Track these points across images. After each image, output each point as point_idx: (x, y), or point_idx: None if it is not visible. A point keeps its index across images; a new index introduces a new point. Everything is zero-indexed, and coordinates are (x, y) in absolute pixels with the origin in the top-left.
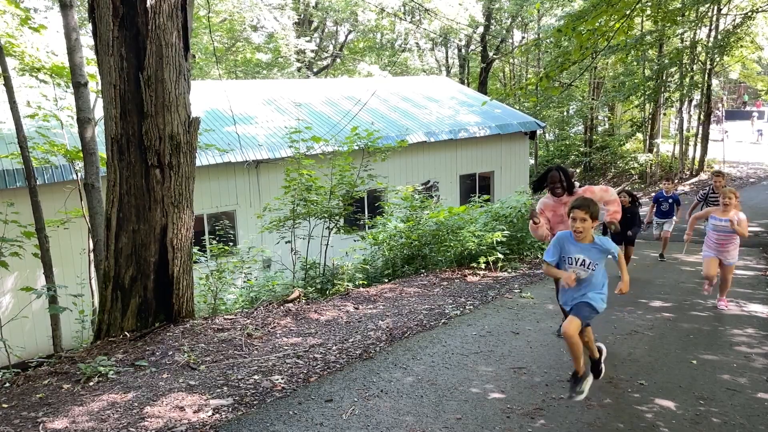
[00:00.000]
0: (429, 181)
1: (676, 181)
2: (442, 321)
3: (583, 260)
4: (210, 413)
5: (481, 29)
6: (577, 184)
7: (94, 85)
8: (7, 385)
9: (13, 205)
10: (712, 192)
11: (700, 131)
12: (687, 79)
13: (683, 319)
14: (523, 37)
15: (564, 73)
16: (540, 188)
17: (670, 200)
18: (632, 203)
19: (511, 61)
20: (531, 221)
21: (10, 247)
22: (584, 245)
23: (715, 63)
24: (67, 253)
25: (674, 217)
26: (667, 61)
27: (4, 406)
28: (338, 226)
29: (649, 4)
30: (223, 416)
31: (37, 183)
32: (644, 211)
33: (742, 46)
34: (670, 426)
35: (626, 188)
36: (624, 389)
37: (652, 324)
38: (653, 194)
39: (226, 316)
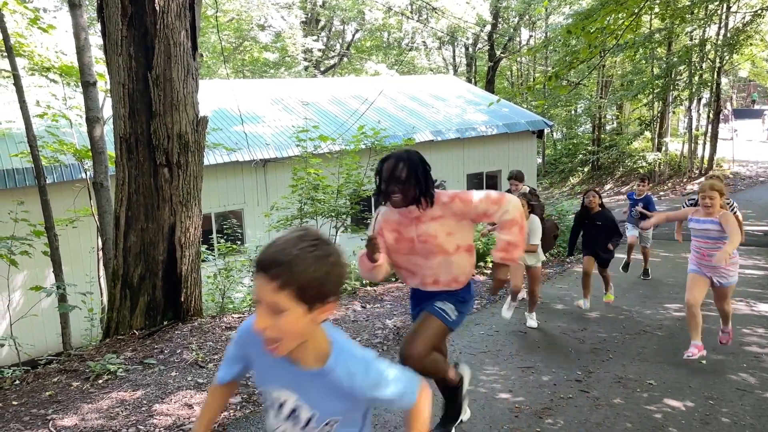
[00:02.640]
0: (436, 180)
1: (649, 184)
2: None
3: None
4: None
5: (488, 28)
6: (441, 184)
7: (103, 85)
8: (17, 382)
9: (23, 203)
10: (694, 203)
11: (709, 130)
12: (696, 78)
13: None
14: (530, 36)
15: (572, 71)
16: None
17: (641, 204)
18: (603, 206)
19: (518, 59)
20: (363, 254)
21: (20, 246)
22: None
23: (725, 61)
24: (76, 252)
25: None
26: (676, 59)
27: (14, 403)
28: (345, 225)
29: (658, 1)
30: (232, 414)
31: (47, 182)
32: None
33: (751, 44)
34: (680, 426)
35: (593, 187)
36: (633, 389)
37: (661, 324)
38: (627, 194)
39: (234, 315)
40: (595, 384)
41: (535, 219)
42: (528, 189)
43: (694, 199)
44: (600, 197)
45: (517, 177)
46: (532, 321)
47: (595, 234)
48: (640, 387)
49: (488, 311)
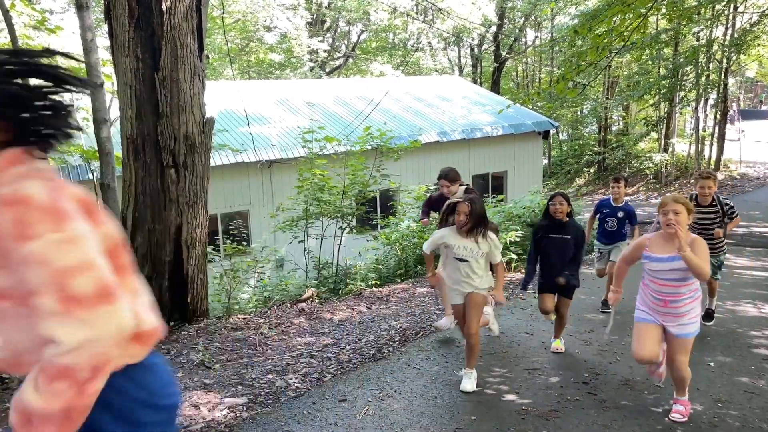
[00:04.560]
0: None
1: (626, 187)
2: (456, 322)
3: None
4: (225, 412)
5: (494, 28)
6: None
7: (110, 86)
8: None
9: None
10: (695, 204)
11: (716, 131)
12: (703, 78)
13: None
14: (536, 37)
15: (579, 73)
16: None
17: (620, 214)
18: (572, 215)
19: (524, 60)
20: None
21: None
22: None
23: (732, 62)
24: None
25: (627, 241)
26: (682, 59)
27: None
28: (351, 225)
29: (665, 2)
30: (238, 415)
31: None
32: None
33: (758, 44)
34: (688, 428)
35: (559, 191)
36: (640, 391)
37: None
38: (599, 201)
39: (240, 316)
40: (602, 386)
41: (492, 236)
42: (465, 187)
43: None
44: (569, 203)
45: (447, 176)
46: (467, 382)
47: (560, 254)
48: (647, 389)
49: (494, 313)
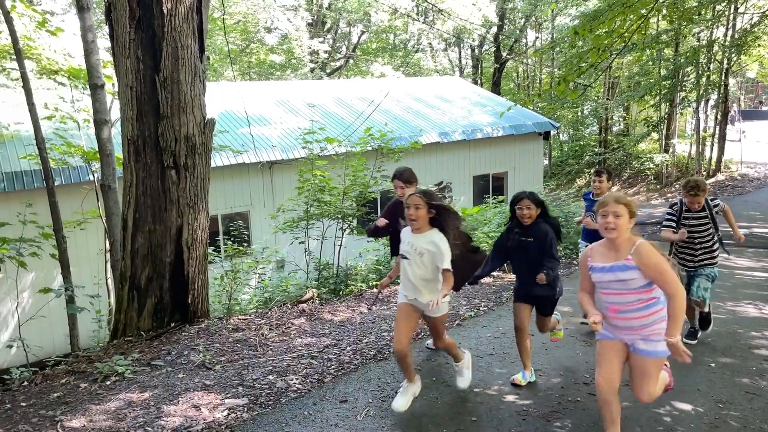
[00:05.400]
0: (442, 182)
1: (610, 181)
2: (456, 322)
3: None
4: (225, 413)
5: (494, 29)
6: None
7: (110, 87)
8: (26, 383)
9: (31, 205)
10: (687, 210)
11: (717, 131)
12: (704, 79)
13: None
14: (536, 37)
15: (580, 75)
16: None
17: None
18: (546, 216)
19: (524, 61)
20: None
21: (28, 248)
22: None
23: (732, 62)
24: (84, 254)
25: None
26: (683, 60)
27: (23, 404)
28: (351, 226)
29: (665, 3)
30: (239, 416)
31: (55, 184)
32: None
33: (759, 45)
34: (689, 429)
35: (527, 192)
36: None
37: None
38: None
39: (240, 317)
40: None
41: (440, 237)
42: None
43: (677, 211)
44: (540, 206)
45: (401, 176)
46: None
47: (527, 261)
48: None
49: (495, 314)
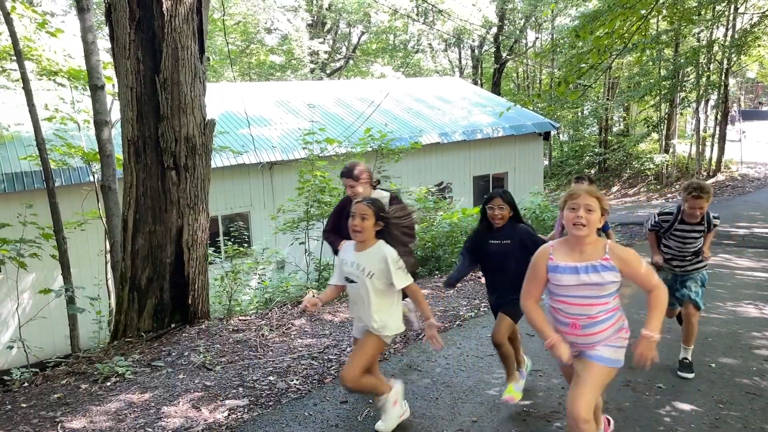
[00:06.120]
0: (442, 183)
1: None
2: (457, 323)
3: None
4: (226, 414)
5: (494, 30)
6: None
7: (110, 88)
8: (26, 384)
9: (31, 206)
10: (681, 221)
11: (717, 131)
12: (704, 79)
13: (702, 322)
14: (536, 38)
15: (580, 76)
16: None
17: None
18: (519, 218)
19: (524, 61)
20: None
21: (29, 248)
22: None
23: (732, 62)
24: (85, 255)
25: None
26: (683, 60)
27: (23, 405)
28: None
29: (666, 4)
30: (239, 417)
31: (55, 185)
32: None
33: (759, 45)
34: (689, 429)
35: (500, 190)
36: (642, 392)
37: (669, 327)
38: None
39: (241, 317)
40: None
41: (388, 249)
42: (389, 194)
43: (668, 215)
44: (512, 207)
45: (350, 174)
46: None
47: (504, 265)
48: (648, 390)
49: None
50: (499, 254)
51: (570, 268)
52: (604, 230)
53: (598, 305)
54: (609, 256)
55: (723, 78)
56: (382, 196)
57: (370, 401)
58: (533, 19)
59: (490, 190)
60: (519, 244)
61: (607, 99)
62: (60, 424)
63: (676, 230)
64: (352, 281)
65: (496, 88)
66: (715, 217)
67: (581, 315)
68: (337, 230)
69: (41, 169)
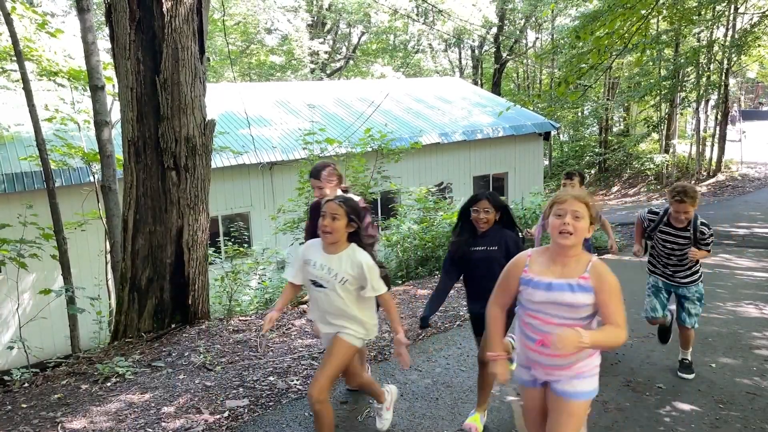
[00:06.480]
0: (442, 183)
1: (583, 185)
2: (457, 323)
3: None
4: (226, 414)
5: (494, 30)
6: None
7: (111, 88)
8: (26, 385)
9: (31, 207)
10: (667, 224)
11: (717, 131)
12: (704, 79)
13: (702, 322)
14: (537, 38)
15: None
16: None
17: None
18: (505, 220)
19: (525, 61)
20: None
21: (29, 249)
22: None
23: (733, 62)
24: (85, 255)
25: (594, 255)
26: (683, 60)
27: (24, 405)
28: None
29: (666, 4)
30: (240, 417)
31: (55, 185)
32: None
33: (759, 45)
34: (689, 429)
35: (486, 192)
36: (642, 392)
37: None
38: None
39: (241, 318)
40: (604, 387)
41: (363, 255)
42: (350, 194)
43: (655, 214)
44: (501, 207)
45: (317, 174)
46: None
47: (489, 275)
48: (649, 390)
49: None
50: (484, 261)
51: (543, 284)
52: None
53: (574, 326)
54: (589, 274)
55: (723, 78)
56: (355, 197)
57: (371, 401)
58: (533, 19)
59: (490, 190)
60: (506, 251)
61: (608, 99)
62: (60, 425)
63: (661, 232)
64: (320, 285)
65: (496, 89)
66: (703, 224)
67: (549, 333)
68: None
69: (41, 169)
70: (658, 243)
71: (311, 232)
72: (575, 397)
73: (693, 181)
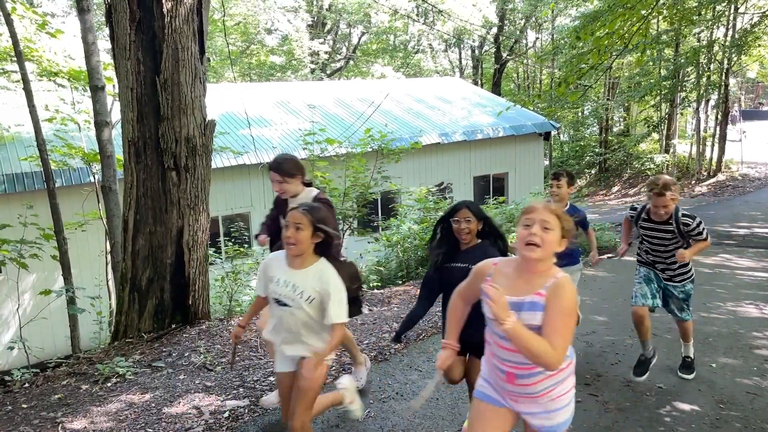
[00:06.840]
0: (443, 183)
1: (571, 186)
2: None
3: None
4: (226, 414)
5: (494, 30)
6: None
7: (111, 89)
8: (27, 385)
9: (32, 207)
10: (647, 219)
11: (718, 131)
12: (704, 79)
13: (702, 322)
14: (537, 38)
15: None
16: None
17: None
18: (487, 231)
19: (525, 62)
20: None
21: (29, 249)
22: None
23: (733, 62)
24: (85, 255)
25: (580, 263)
26: (683, 60)
27: (24, 406)
28: (352, 227)
29: (666, 5)
30: (240, 417)
31: (56, 185)
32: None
33: (759, 45)
34: (690, 429)
35: (466, 201)
36: (642, 392)
37: (670, 327)
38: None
39: (241, 318)
40: (604, 387)
41: (331, 272)
42: (316, 193)
43: (635, 210)
44: (483, 218)
45: (279, 168)
46: None
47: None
48: (649, 390)
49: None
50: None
51: (506, 303)
52: (584, 228)
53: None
54: (545, 291)
55: (723, 78)
56: (311, 196)
57: (371, 402)
58: (533, 19)
59: (491, 191)
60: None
61: (608, 99)
62: (61, 425)
63: (643, 228)
64: (283, 304)
65: (496, 89)
66: (685, 215)
67: (518, 363)
68: (275, 238)
69: (42, 169)
70: (645, 240)
71: (270, 229)
72: (557, 428)
73: (693, 182)
